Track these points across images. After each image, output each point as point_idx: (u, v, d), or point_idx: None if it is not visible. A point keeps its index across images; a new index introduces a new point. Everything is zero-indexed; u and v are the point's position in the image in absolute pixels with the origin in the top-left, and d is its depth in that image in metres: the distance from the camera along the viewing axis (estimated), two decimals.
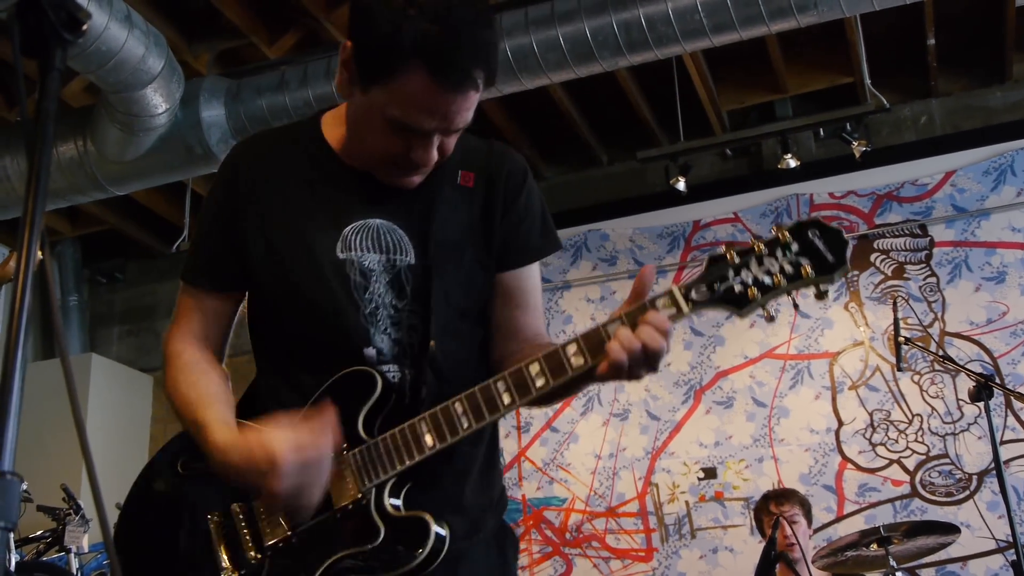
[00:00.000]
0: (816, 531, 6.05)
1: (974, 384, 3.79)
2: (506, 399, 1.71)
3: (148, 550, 1.86)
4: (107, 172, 6.09)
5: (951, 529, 4.18)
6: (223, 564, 1.82)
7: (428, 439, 1.74)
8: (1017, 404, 6.12)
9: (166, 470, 1.92)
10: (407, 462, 1.74)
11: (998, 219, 6.53)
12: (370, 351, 1.85)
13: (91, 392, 8.07)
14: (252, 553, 1.82)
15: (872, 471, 6.32)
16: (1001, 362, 6.25)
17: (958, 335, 6.41)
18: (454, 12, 1.66)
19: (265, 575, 1.79)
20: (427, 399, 1.82)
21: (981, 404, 3.96)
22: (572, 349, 1.69)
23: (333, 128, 1.94)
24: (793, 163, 6.58)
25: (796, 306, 1.72)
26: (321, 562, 1.76)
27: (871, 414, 6.43)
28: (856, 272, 6.72)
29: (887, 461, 6.32)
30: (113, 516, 1.72)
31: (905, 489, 6.23)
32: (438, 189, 1.91)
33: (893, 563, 4.03)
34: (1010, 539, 3.59)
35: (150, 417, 8.58)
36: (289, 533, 1.79)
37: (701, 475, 6.66)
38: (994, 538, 5.85)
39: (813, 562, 4.35)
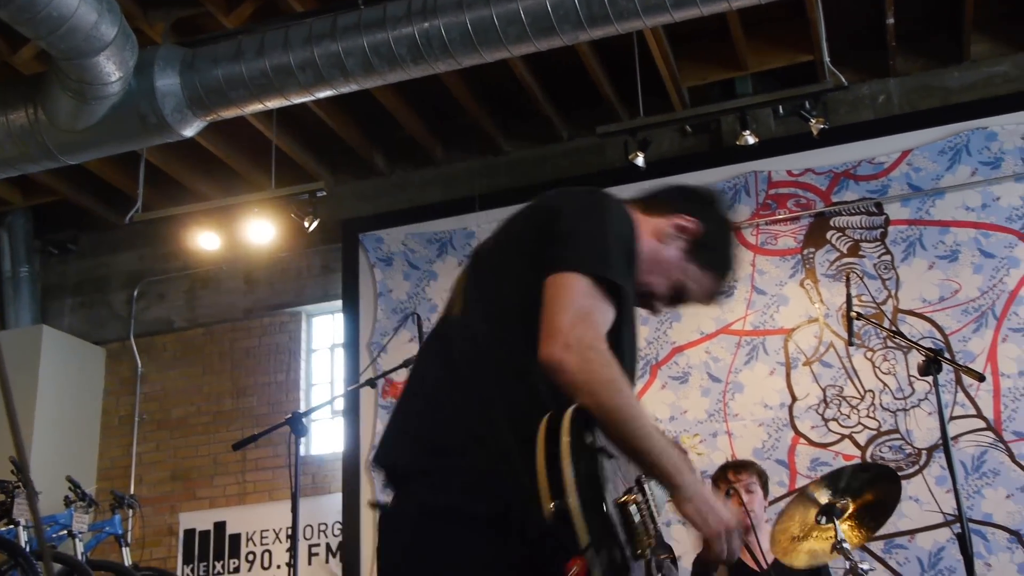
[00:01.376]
0: (769, 504, 6.17)
1: (924, 359, 3.89)
2: None
3: (596, 507, 1.84)
4: (59, 141, 6.03)
5: (892, 475, 4.28)
6: (640, 539, 1.91)
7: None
8: (966, 380, 6.27)
9: (583, 444, 1.89)
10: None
11: (952, 198, 6.66)
12: None
13: (42, 364, 8.05)
14: (650, 538, 1.97)
15: (824, 446, 6.46)
16: (952, 339, 6.39)
17: (911, 312, 6.54)
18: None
19: (652, 559, 1.97)
20: None
21: (931, 379, 4.05)
22: None
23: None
24: (752, 140, 6.66)
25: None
26: (662, 553, 2.05)
27: (824, 390, 6.56)
28: (812, 249, 6.84)
29: (839, 436, 6.45)
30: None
31: (856, 464, 6.36)
32: None
33: (841, 536, 4.13)
34: (957, 513, 3.69)
35: (102, 390, 8.56)
36: (655, 533, 2.04)
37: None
38: (941, 512, 5.98)
39: (772, 550, 4.44)
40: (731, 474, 5.05)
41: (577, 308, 1.96)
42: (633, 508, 1.92)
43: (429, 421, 2.07)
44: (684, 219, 2.31)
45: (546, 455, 1.81)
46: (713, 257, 2.34)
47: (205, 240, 7.63)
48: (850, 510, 4.24)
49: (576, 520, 1.74)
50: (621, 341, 2.08)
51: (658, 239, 2.30)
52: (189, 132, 6.08)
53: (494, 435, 1.95)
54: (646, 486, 2.05)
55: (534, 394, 1.95)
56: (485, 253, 2.23)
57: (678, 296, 2.35)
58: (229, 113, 6.01)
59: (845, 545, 4.12)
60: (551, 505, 1.75)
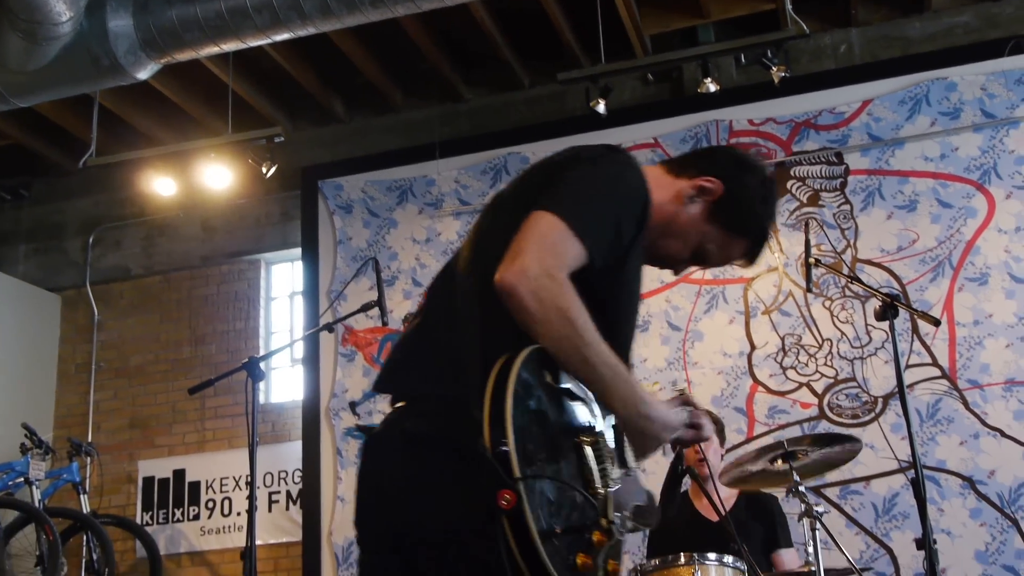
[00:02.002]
0: (727, 451, 6.21)
1: (881, 304, 3.89)
2: None
3: (539, 450, 1.87)
4: (9, 83, 5.90)
5: (852, 440, 4.31)
6: (598, 482, 1.97)
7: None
8: (923, 329, 6.31)
9: (540, 380, 1.93)
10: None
11: (912, 148, 6.67)
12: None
13: None
14: (608, 480, 2.02)
15: (782, 394, 6.49)
16: (909, 288, 6.43)
17: (869, 262, 6.57)
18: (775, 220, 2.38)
19: (609, 502, 1.98)
20: None
21: (887, 326, 4.05)
22: None
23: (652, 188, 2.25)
24: (713, 88, 6.62)
25: None
26: (629, 505, 2.12)
27: (783, 338, 6.59)
28: None
29: (797, 384, 6.49)
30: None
31: (813, 411, 6.41)
32: None
33: (797, 478, 4.15)
34: (911, 459, 3.71)
35: (58, 337, 8.45)
36: (624, 471, 2.12)
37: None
38: (896, 458, 6.04)
39: (720, 479, 4.46)
40: None
41: (541, 239, 1.96)
42: (587, 450, 1.96)
43: (421, 355, 2.12)
44: (706, 180, 2.27)
45: (493, 390, 1.83)
46: (736, 219, 2.28)
47: (161, 185, 7.51)
48: (807, 459, 4.26)
49: (512, 454, 1.77)
50: (614, 305, 2.11)
51: (678, 201, 2.27)
52: (143, 75, 5.97)
53: (472, 372, 1.95)
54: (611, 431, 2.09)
55: (519, 336, 1.94)
56: (501, 199, 2.24)
57: (698, 258, 2.33)
58: (184, 56, 5.90)
59: (802, 488, 4.14)
60: (489, 437, 1.79)
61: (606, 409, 2.05)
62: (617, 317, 2.15)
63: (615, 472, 2.07)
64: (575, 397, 2.01)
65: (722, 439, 5.20)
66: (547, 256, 1.94)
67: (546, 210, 2.00)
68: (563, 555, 1.83)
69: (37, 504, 6.78)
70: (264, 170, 7.22)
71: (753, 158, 2.40)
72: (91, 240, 8.52)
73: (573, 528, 1.88)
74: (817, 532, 4.06)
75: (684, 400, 2.53)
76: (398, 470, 2.03)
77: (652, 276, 6.82)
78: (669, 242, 2.29)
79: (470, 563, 1.87)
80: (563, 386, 1.98)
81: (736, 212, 2.28)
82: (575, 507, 1.91)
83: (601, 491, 1.97)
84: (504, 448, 1.78)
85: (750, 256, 2.35)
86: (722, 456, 5.12)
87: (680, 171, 2.30)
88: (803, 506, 4.09)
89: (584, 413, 2.03)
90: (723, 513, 4.36)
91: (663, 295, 6.85)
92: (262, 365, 4.78)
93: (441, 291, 2.20)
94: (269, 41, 5.87)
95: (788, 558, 4.90)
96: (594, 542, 1.92)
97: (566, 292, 1.93)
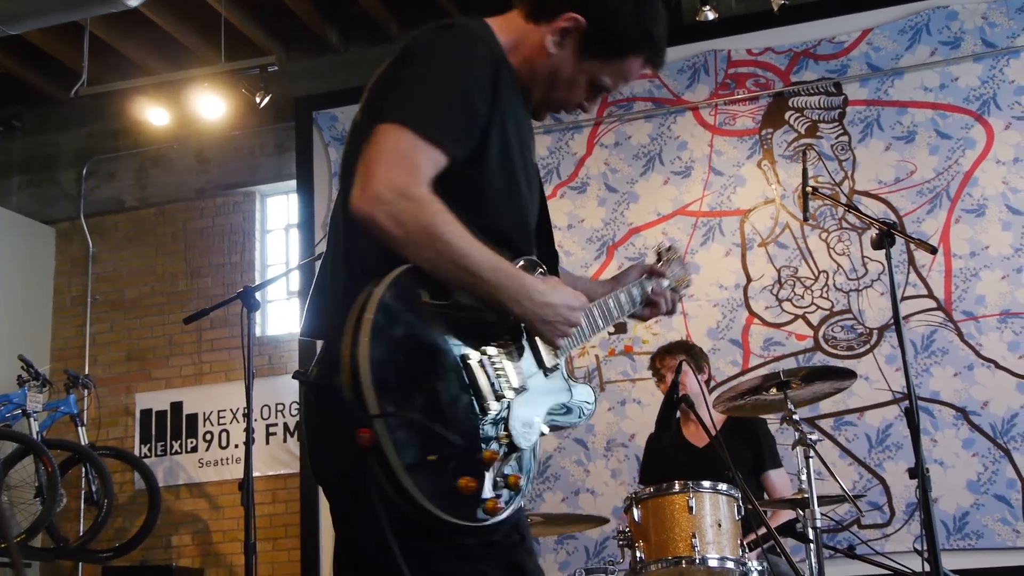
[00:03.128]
0: (721, 383, 6.22)
1: (877, 232, 3.85)
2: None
3: (408, 378, 1.83)
4: None
5: (848, 374, 4.31)
6: (488, 398, 1.92)
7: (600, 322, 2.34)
8: (920, 260, 6.28)
9: (411, 303, 1.87)
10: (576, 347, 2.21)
11: (911, 78, 6.59)
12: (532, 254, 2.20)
13: None
14: (505, 393, 1.96)
15: (777, 326, 6.48)
16: (907, 220, 6.39)
17: (866, 193, 6.52)
18: (664, 19, 2.20)
19: (510, 414, 1.96)
20: None
21: (883, 255, 4.01)
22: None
23: (505, 45, 2.15)
24: (712, 16, 6.53)
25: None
26: (539, 408, 2.08)
27: (779, 271, 6.56)
28: (770, 130, 6.76)
29: (792, 316, 6.48)
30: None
31: (808, 343, 6.40)
32: None
33: (791, 406, 4.14)
34: (905, 390, 3.70)
35: (53, 270, 8.40)
36: (522, 383, 2.02)
37: (611, 330, 6.75)
38: (890, 389, 6.07)
39: (715, 405, 4.46)
40: (657, 362, 5.13)
41: (389, 156, 1.87)
42: (474, 364, 1.91)
43: (316, 296, 2.09)
44: (564, 20, 2.12)
45: (353, 325, 1.80)
46: (613, 45, 2.16)
47: (154, 115, 7.43)
48: (801, 388, 4.25)
49: (365, 390, 1.74)
50: (482, 186, 2.02)
51: (546, 51, 2.14)
52: (134, 2, 5.87)
53: (340, 307, 1.91)
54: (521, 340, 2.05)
55: (386, 260, 1.88)
56: (355, 123, 2.13)
57: (598, 91, 2.22)
58: None
59: (796, 417, 4.14)
60: (347, 375, 1.77)
61: (501, 313, 1.97)
62: (502, 200, 2.08)
63: (519, 379, 2.01)
64: (466, 308, 1.94)
65: (700, 367, 5.16)
66: (399, 174, 1.86)
67: (389, 122, 1.91)
68: (440, 482, 1.80)
69: (35, 436, 6.79)
70: (258, 100, 7.14)
71: None
72: (85, 172, 8.44)
73: (452, 453, 1.83)
74: (811, 460, 4.06)
75: (650, 269, 2.57)
76: (304, 418, 2.06)
77: (648, 208, 6.81)
78: (558, 93, 2.20)
79: (363, 501, 1.82)
80: (446, 302, 1.91)
81: (611, 38, 2.15)
82: (453, 430, 1.85)
83: (494, 405, 1.92)
84: (359, 386, 1.75)
85: (654, 65, 2.23)
86: (706, 381, 5.16)
87: (539, 16, 2.16)
88: (797, 434, 4.10)
89: (478, 323, 1.97)
90: (716, 436, 4.35)
91: (659, 227, 6.82)
92: (257, 295, 4.76)
93: (331, 225, 2.13)
94: None
95: (777, 479, 4.93)
96: (483, 460, 1.88)
97: (427, 208, 1.85)
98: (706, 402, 4.19)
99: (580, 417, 2.21)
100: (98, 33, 7.30)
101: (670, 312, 2.59)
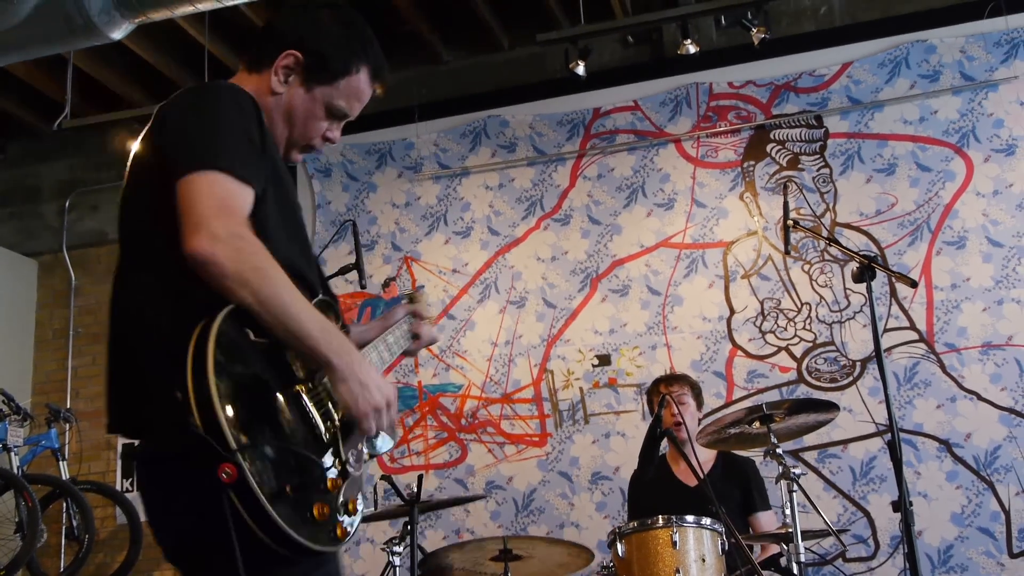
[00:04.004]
0: (706, 416, 6.20)
1: (858, 265, 3.85)
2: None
3: (255, 413, 1.87)
4: None
5: (830, 407, 4.30)
6: (321, 427, 1.99)
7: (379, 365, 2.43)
8: (901, 293, 6.29)
9: (242, 340, 1.91)
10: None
11: (891, 111, 6.63)
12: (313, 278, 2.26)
13: None
14: (335, 422, 2.04)
15: (761, 358, 6.48)
16: (888, 252, 6.41)
17: (848, 225, 6.54)
18: (373, 38, 2.36)
19: (340, 441, 2.03)
20: None
21: (865, 288, 4.01)
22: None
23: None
24: (693, 49, 6.55)
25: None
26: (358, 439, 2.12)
27: (762, 303, 6.56)
28: (752, 162, 6.79)
29: (776, 348, 6.47)
30: None
31: (792, 375, 6.40)
32: None
33: (774, 440, 4.13)
34: (888, 423, 3.68)
35: (35, 302, 8.34)
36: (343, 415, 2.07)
37: (596, 362, 6.75)
38: (874, 421, 6.06)
39: (697, 439, 4.44)
40: (663, 387, 5.06)
41: (212, 200, 1.92)
42: (305, 397, 1.98)
43: (121, 377, 2.07)
44: (283, 58, 2.26)
45: (193, 367, 1.80)
46: (335, 68, 2.29)
47: None
48: (785, 422, 4.24)
49: (224, 427, 1.76)
50: (269, 223, 2.05)
51: (275, 91, 2.26)
52: (117, 35, 5.85)
53: (161, 372, 1.89)
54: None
55: (191, 310, 1.89)
56: (125, 198, 2.17)
57: (337, 118, 2.33)
58: (158, 15, 5.78)
59: (779, 451, 4.13)
60: (198, 415, 1.77)
61: (309, 358, 1.99)
62: (289, 236, 2.13)
63: (340, 415, 2.05)
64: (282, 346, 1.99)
65: (700, 402, 5.20)
66: (227, 215, 1.91)
67: (194, 171, 1.94)
68: (299, 511, 1.85)
69: (16, 471, 6.71)
70: None
71: (303, 3, 2.38)
72: (67, 204, 8.40)
73: (304, 482, 1.89)
74: (795, 494, 4.05)
75: (413, 311, 2.69)
76: (148, 495, 2.05)
77: (632, 240, 6.81)
78: (299, 129, 2.29)
79: (219, 551, 1.81)
80: (267, 340, 1.95)
81: (329, 61, 2.28)
82: (303, 460, 1.92)
83: (327, 434, 2.00)
84: (215, 422, 1.76)
85: (379, 77, 2.35)
86: (700, 420, 5.11)
87: (259, 65, 2.29)
88: (780, 468, 4.08)
89: (294, 361, 2.02)
90: (702, 476, 4.33)
91: (642, 259, 6.81)
92: None
93: (112, 309, 2.13)
94: (245, 0, 5.76)
95: (765, 520, 4.91)
96: (329, 488, 1.95)
97: (258, 250, 1.91)
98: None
99: (392, 440, 2.22)
100: (81, 65, 7.28)
101: (432, 342, 2.77)
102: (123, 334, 2.07)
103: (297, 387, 1.98)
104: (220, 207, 1.91)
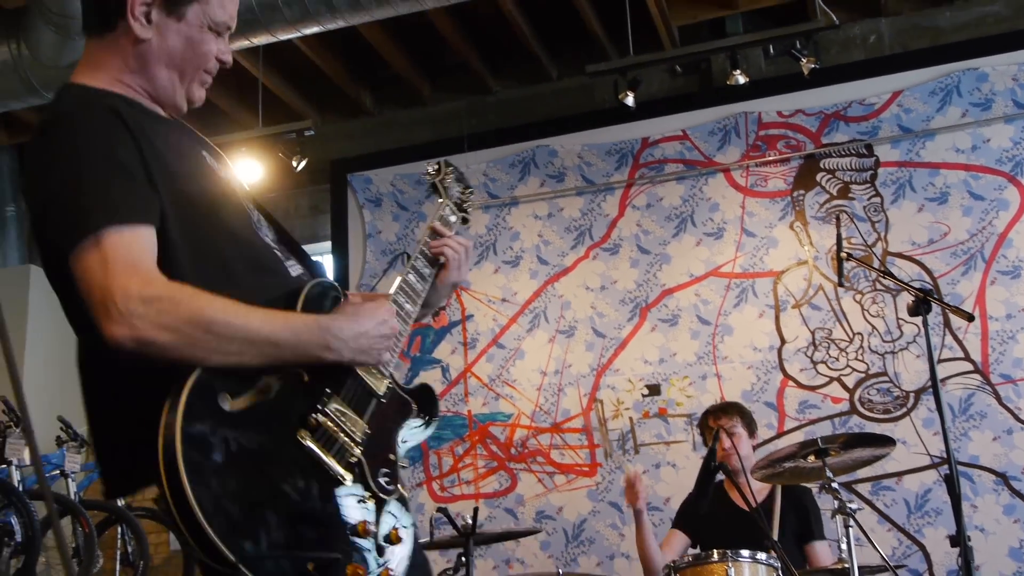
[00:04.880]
0: (757, 447, 6.15)
1: (913, 299, 3.82)
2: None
3: (252, 503, 1.66)
4: (42, 77, 5.91)
5: (887, 441, 4.25)
6: (337, 470, 1.78)
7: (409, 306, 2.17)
8: (955, 323, 6.22)
9: (215, 419, 1.67)
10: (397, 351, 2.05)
11: (943, 140, 6.57)
12: (297, 270, 2.06)
13: (31, 304, 7.95)
14: (353, 452, 1.84)
15: (812, 388, 6.42)
16: (941, 282, 6.34)
17: (900, 255, 6.48)
18: None
19: (366, 468, 1.85)
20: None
21: (919, 320, 3.98)
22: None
23: (103, 84, 1.94)
24: (742, 80, 6.54)
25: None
26: (392, 439, 1.99)
27: (813, 332, 6.51)
28: (802, 191, 6.75)
29: (827, 379, 6.41)
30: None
31: (844, 406, 6.33)
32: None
33: (830, 474, 4.09)
34: (944, 455, 3.64)
35: None
36: (366, 425, 1.89)
37: (645, 392, 6.73)
38: (929, 454, 5.98)
39: (752, 473, 4.40)
40: (711, 419, 5.03)
41: (104, 271, 1.68)
42: (310, 444, 1.77)
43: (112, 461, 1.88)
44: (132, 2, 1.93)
45: (168, 481, 1.60)
46: None
47: None
48: (839, 455, 4.20)
49: (216, 542, 1.58)
50: (179, 252, 1.81)
51: (140, 38, 1.94)
52: None
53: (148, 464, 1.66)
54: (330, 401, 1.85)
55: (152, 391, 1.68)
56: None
57: (222, 31, 2.03)
58: None
59: (835, 484, 4.08)
60: (185, 529, 1.59)
61: (311, 370, 1.82)
62: (216, 233, 1.89)
63: (361, 425, 1.88)
64: (273, 388, 1.78)
65: (752, 429, 5.15)
66: (129, 280, 1.67)
67: (78, 241, 1.70)
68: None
69: (73, 497, 6.79)
70: (294, 164, 7.20)
71: None
72: None
73: (329, 549, 1.72)
74: (851, 529, 4.00)
75: (432, 227, 2.41)
76: None
77: (681, 270, 6.79)
78: (191, 65, 1.99)
79: None
80: (251, 396, 1.74)
81: None
82: (320, 527, 1.73)
83: (346, 473, 1.79)
84: (206, 537, 1.58)
85: None
86: (753, 448, 5.07)
87: (107, 22, 1.95)
88: (836, 503, 4.03)
89: (293, 395, 1.80)
90: (754, 505, 4.29)
91: (692, 289, 6.79)
92: None
93: (83, 390, 1.94)
94: (299, 34, 5.85)
95: (821, 550, 4.85)
96: (360, 534, 1.78)
97: (181, 299, 1.70)
98: None
99: (432, 423, 2.11)
100: None
101: (465, 251, 2.37)
102: (96, 419, 1.89)
103: (299, 434, 1.76)
104: (117, 275, 1.67)
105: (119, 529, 7.05)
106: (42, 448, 7.15)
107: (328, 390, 1.84)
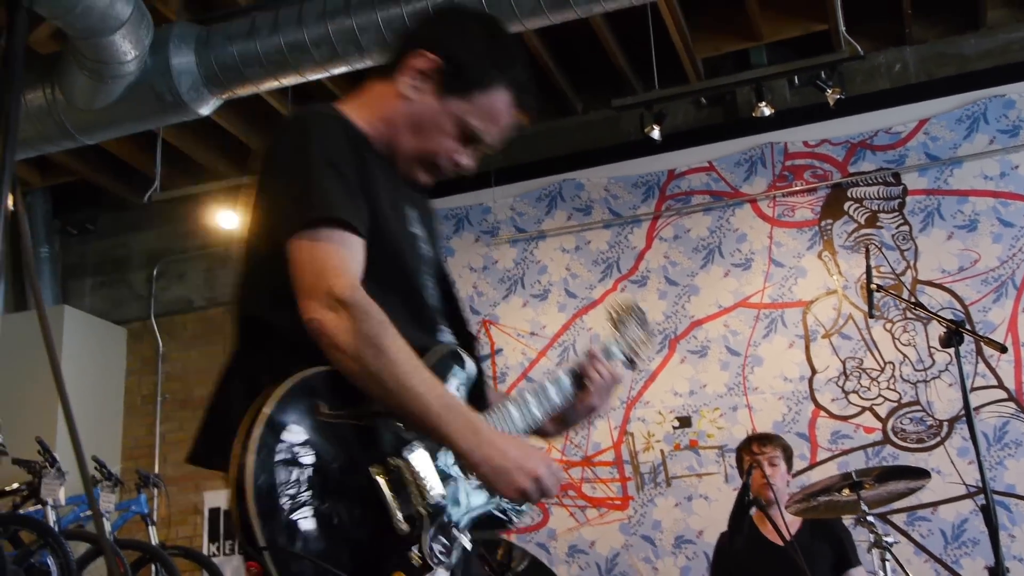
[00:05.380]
0: (793, 476, 6.11)
1: (945, 331, 3.80)
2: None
3: (302, 503, 1.67)
4: (76, 121, 6.00)
5: (922, 474, 4.22)
6: (396, 516, 1.76)
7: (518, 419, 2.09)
8: (987, 351, 6.17)
9: (306, 417, 1.71)
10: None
11: (970, 167, 6.54)
12: (447, 338, 2.06)
13: (64, 345, 8.02)
14: (419, 508, 1.79)
15: (844, 418, 6.38)
16: (972, 309, 6.29)
17: (930, 283, 6.44)
18: (522, 60, 2.11)
19: (426, 528, 1.80)
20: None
21: (952, 350, 3.95)
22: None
23: (357, 117, 2.04)
24: (768, 111, 6.56)
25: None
26: (466, 514, 1.92)
27: (844, 362, 6.47)
28: (830, 221, 6.74)
29: (859, 408, 6.37)
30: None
31: (877, 436, 6.29)
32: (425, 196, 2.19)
33: (865, 507, 4.06)
34: (979, 484, 3.61)
35: (124, 370, 8.53)
36: (443, 491, 1.83)
37: (676, 424, 6.70)
38: (964, 483, 5.91)
39: (786, 507, 4.37)
40: (755, 446, 4.98)
41: (318, 264, 1.79)
42: (381, 482, 1.75)
43: (211, 425, 1.95)
44: (416, 58, 2.02)
45: (241, 443, 1.65)
46: (474, 76, 2.02)
47: (224, 218, 7.58)
48: (874, 488, 4.17)
49: (252, 518, 1.60)
50: (372, 271, 1.88)
51: (403, 95, 2.02)
52: (205, 110, 6.03)
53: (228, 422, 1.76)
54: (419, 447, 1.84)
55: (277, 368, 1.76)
56: (248, 232, 2.02)
57: (472, 139, 2.05)
58: (245, 91, 5.95)
59: (870, 518, 4.05)
60: (233, 504, 1.62)
61: (432, 440, 1.81)
62: (394, 275, 1.95)
63: (436, 493, 1.81)
64: (371, 415, 1.79)
65: (789, 464, 5.11)
66: (340, 279, 1.77)
67: (295, 234, 1.81)
68: None
69: (108, 536, 6.82)
70: None
71: (458, 6, 2.17)
72: (155, 273, 8.61)
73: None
74: (887, 563, 3.96)
75: (591, 351, 2.31)
76: None
77: (709, 301, 6.77)
78: (425, 142, 2.04)
79: None
80: (345, 411, 1.76)
81: (467, 69, 2.02)
82: (362, 557, 1.71)
83: (404, 524, 1.75)
84: (245, 513, 1.60)
85: (522, 107, 2.09)
86: (788, 481, 5.03)
87: (388, 70, 2.06)
88: (872, 536, 4.00)
89: (384, 430, 1.81)
90: (788, 539, 4.26)
91: (721, 320, 6.77)
92: None
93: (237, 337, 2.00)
94: (327, 75, 5.90)
95: None
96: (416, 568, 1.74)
97: (371, 316, 1.77)
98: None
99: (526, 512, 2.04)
100: (170, 140, 7.50)
101: (612, 384, 2.28)
102: (223, 383, 1.96)
103: (373, 468, 1.76)
104: (326, 270, 1.78)
105: (153, 568, 7.07)
106: (77, 488, 7.19)
107: (418, 442, 1.84)
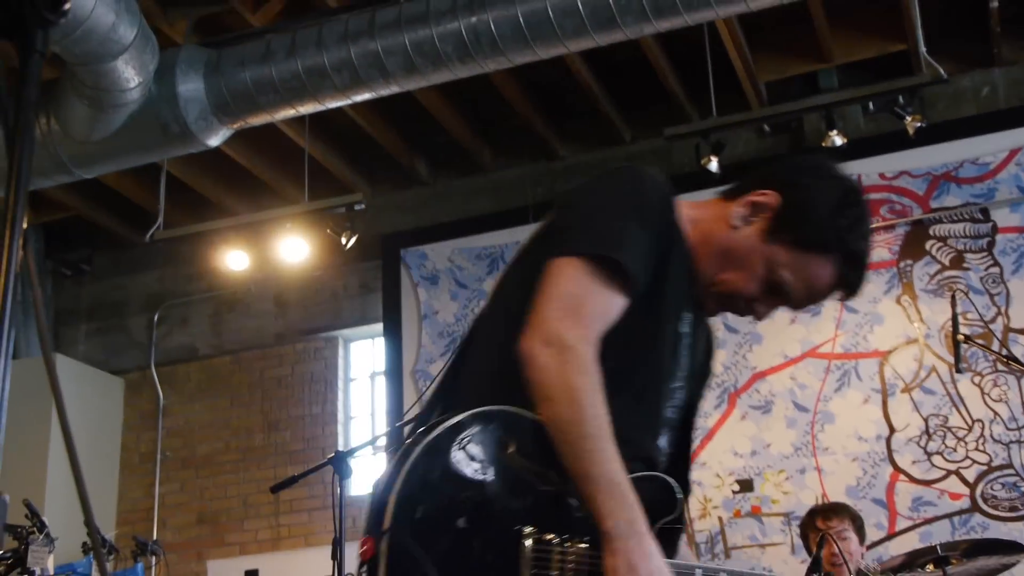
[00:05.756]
0: (868, 548, 6.09)
1: None
2: None
3: (441, 518, 1.78)
4: (73, 153, 6.09)
5: (1016, 548, 4.21)
6: None
7: None
8: None
9: (491, 445, 1.82)
10: None
11: None
12: (663, 444, 2.12)
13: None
14: None
15: (927, 483, 6.36)
16: None
17: (1023, 332, 6.43)
18: (868, 239, 2.14)
19: None
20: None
21: None
22: None
23: (686, 220, 2.13)
24: (839, 140, 6.60)
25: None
26: None
27: (926, 420, 6.47)
28: (910, 261, 6.75)
29: (944, 472, 6.35)
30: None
31: (964, 503, 6.26)
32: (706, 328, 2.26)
33: None
34: None
35: (121, 424, 8.62)
36: None
37: (736, 488, 6.70)
38: None
39: None
40: (820, 521, 4.98)
41: (565, 298, 1.88)
42: (526, 545, 1.79)
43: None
44: (758, 194, 2.10)
45: (422, 438, 1.79)
46: (803, 233, 2.07)
47: (233, 259, 7.67)
48: (961, 564, 4.16)
49: (390, 502, 1.72)
50: (645, 339, 1.99)
51: (728, 224, 2.11)
52: (214, 141, 6.12)
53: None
54: None
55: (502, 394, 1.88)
56: (525, 244, 2.17)
57: (775, 290, 2.11)
58: (258, 120, 6.05)
59: None
60: (383, 482, 1.76)
61: (587, 511, 1.84)
62: (642, 357, 2.03)
63: None
64: (550, 480, 1.85)
65: (862, 536, 5.11)
66: (575, 323, 1.86)
67: (565, 255, 1.91)
68: None
69: None
70: (343, 240, 7.34)
71: (826, 162, 2.23)
72: (156, 318, 8.73)
73: None
74: None
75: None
76: None
77: (774, 351, 6.79)
78: (729, 275, 2.11)
79: None
80: (530, 463, 1.84)
81: (802, 223, 2.07)
82: None
83: None
84: (388, 493, 1.73)
85: (844, 284, 2.12)
86: (862, 555, 5.02)
87: (731, 193, 2.17)
88: None
89: (553, 503, 1.85)
90: None
91: (787, 371, 6.79)
92: (348, 459, 4.83)
93: (458, 358, 2.15)
94: (349, 102, 6.00)
95: None
96: None
97: (587, 370, 1.84)
98: None
99: None
100: (175, 173, 7.62)
101: None
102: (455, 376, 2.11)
103: (528, 530, 1.80)
104: (569, 309, 1.87)
105: None
106: (67, 556, 7.26)
107: (584, 537, 1.86)
